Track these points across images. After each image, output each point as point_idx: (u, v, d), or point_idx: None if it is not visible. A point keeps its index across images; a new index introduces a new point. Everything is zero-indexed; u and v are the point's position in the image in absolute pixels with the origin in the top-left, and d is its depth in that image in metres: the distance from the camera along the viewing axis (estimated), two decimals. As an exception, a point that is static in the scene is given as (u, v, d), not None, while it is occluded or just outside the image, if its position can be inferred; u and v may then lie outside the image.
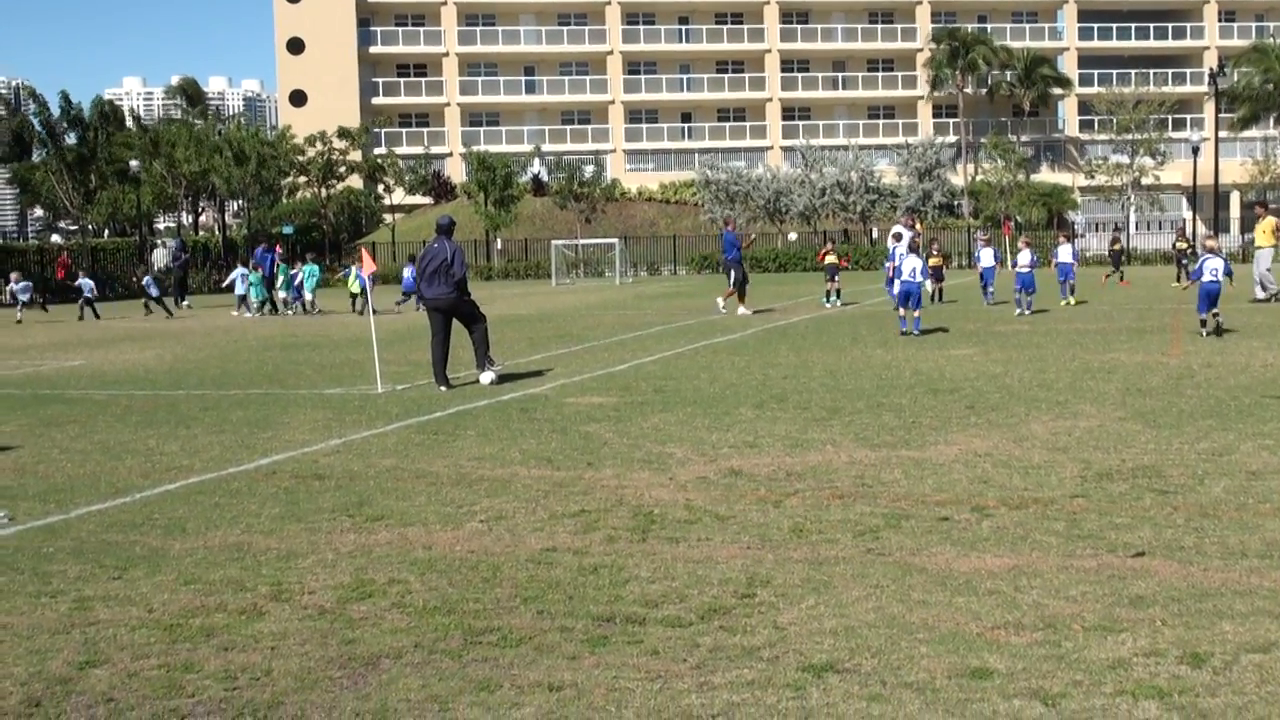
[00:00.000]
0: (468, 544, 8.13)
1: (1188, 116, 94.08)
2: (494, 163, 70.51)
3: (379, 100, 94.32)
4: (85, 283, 38.94)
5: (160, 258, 60.18)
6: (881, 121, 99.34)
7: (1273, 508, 8.45)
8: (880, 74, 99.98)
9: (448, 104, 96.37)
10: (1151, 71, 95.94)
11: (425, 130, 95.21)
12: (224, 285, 39.42)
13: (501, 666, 5.83)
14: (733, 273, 29.97)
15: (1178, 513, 8.37)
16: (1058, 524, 8.16)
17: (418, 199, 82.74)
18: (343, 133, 71.47)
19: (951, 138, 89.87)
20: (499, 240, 71.84)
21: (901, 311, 22.63)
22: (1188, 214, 73.17)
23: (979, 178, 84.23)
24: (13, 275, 41.78)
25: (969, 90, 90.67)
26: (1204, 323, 21.00)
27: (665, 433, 12.37)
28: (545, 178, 79.14)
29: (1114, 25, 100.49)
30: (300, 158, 71.12)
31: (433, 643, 6.19)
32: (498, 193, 70.14)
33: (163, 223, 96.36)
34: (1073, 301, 29.53)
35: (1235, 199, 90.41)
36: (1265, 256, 29.78)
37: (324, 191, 73.84)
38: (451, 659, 5.96)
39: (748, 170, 76.40)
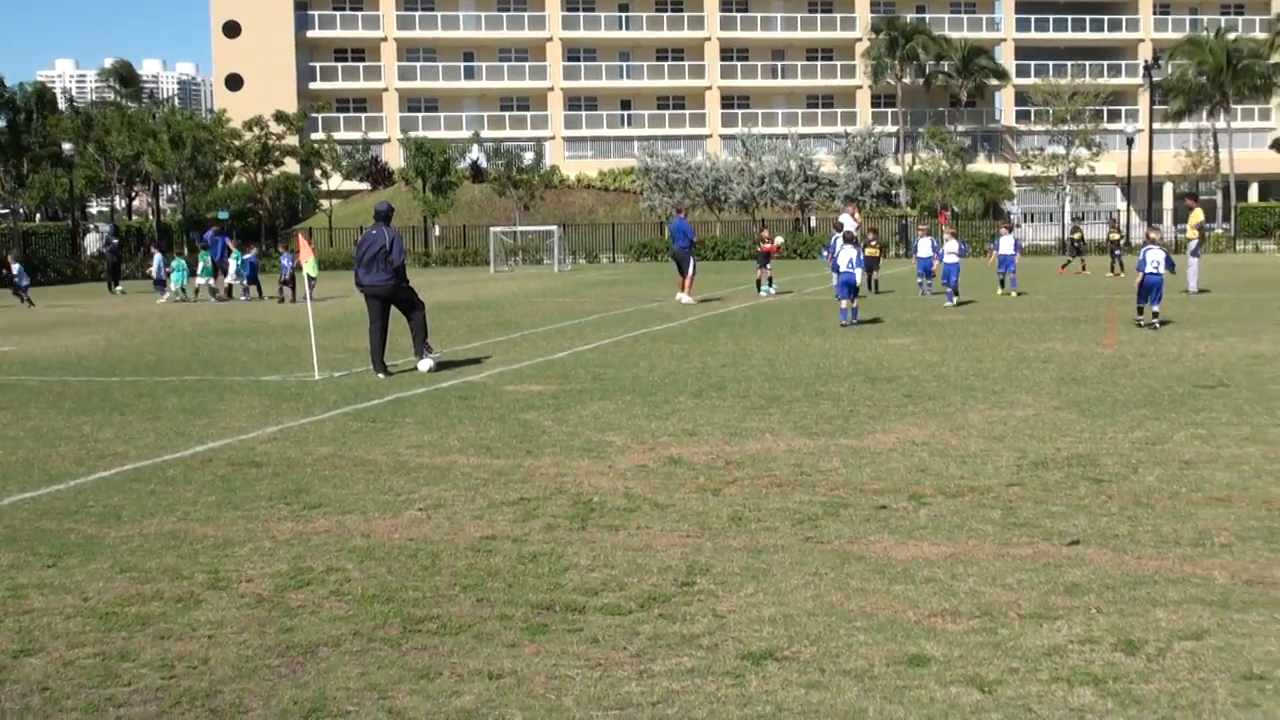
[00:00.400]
0: (406, 532, 8.10)
1: (1123, 108, 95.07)
2: (432, 149, 70.11)
3: (316, 85, 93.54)
4: (16, 268, 38.41)
5: (93, 242, 59.57)
6: (820, 110, 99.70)
7: (1205, 496, 8.56)
8: (819, 63, 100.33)
9: (386, 89, 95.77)
10: (1087, 63, 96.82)
11: (363, 115, 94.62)
12: (147, 273, 38.83)
13: (441, 654, 5.82)
14: (692, 261, 29.57)
15: (1112, 501, 8.47)
16: (994, 512, 8.23)
17: (355, 185, 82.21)
18: (280, 117, 70.81)
19: (890, 127, 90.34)
20: (437, 227, 71.50)
21: (843, 303, 22.61)
22: (1122, 205, 74.00)
23: (916, 167, 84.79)
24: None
25: (907, 80, 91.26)
26: (1140, 311, 21.07)
27: (604, 421, 12.37)
28: (484, 164, 78.80)
29: (1050, 17, 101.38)
30: (237, 142, 70.43)
31: (371, 631, 6.17)
32: (436, 179, 69.76)
33: (96, 207, 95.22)
34: (1013, 293, 29.52)
35: (1169, 190, 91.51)
36: (1192, 248, 30.07)
37: (260, 177, 73.18)
38: (390, 647, 5.94)
39: (687, 158, 76.45)
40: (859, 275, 22.82)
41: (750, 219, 70.00)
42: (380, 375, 16.38)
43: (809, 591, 6.62)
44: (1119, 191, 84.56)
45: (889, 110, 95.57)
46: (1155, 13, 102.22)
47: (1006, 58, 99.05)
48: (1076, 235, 44.61)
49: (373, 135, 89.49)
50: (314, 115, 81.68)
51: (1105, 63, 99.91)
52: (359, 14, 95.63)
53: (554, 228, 61.35)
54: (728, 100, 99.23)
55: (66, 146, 64.37)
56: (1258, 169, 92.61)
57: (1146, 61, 76.97)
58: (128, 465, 10.60)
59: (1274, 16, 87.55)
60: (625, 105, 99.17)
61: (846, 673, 5.46)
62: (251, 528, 8.32)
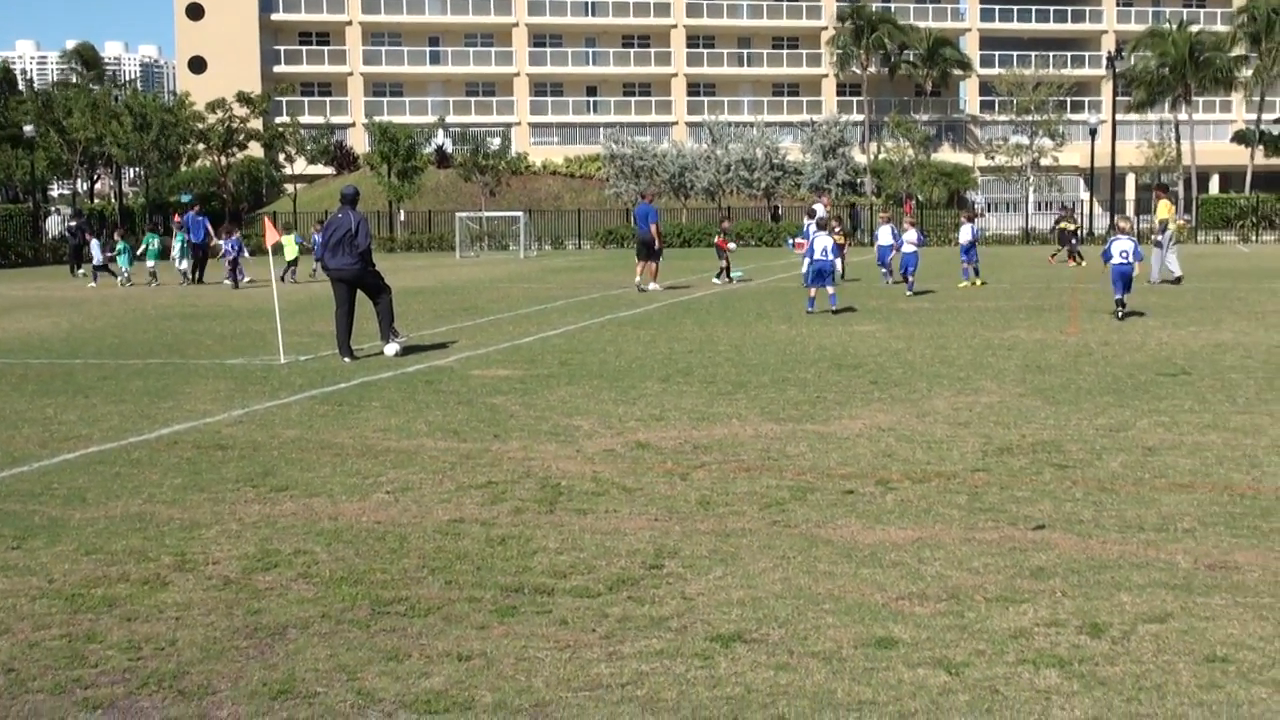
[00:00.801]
0: (374, 515, 8.09)
1: (1086, 99, 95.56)
2: (397, 133, 69.86)
3: (280, 68, 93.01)
4: None
5: (54, 225, 59.13)
6: (786, 99, 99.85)
7: (1168, 482, 8.63)
8: (785, 51, 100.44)
9: (351, 73, 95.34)
10: (1051, 54, 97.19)
11: (328, 99, 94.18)
12: (98, 262, 38.00)
13: (410, 636, 5.82)
14: (657, 246, 29.23)
15: (1076, 487, 8.53)
16: (960, 497, 8.28)
17: (320, 169, 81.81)
18: (242, 98, 70.36)
19: (855, 116, 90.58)
20: (402, 212, 71.27)
21: (812, 291, 22.53)
22: (1085, 195, 74.39)
23: (882, 156, 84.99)
24: None
25: (872, 69, 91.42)
26: (1120, 304, 20.51)
27: (572, 405, 12.37)
28: (449, 149, 78.57)
29: (1015, 7, 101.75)
30: (200, 125, 69.98)
31: (340, 613, 6.16)
32: (401, 164, 69.52)
33: (57, 190, 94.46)
34: (976, 283, 29.31)
35: (1131, 181, 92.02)
36: (1168, 238, 30.06)
37: (224, 160, 72.75)
38: (359, 629, 5.93)
39: (653, 145, 76.42)
40: (839, 263, 22.64)
41: (716, 206, 70.07)
42: (346, 359, 16.33)
43: (777, 574, 6.65)
44: (1082, 182, 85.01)
45: (854, 99, 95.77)
46: (1118, 4, 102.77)
47: (971, 48, 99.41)
48: (1071, 225, 43.00)
49: (337, 119, 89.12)
50: (278, 99, 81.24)
51: (1069, 54, 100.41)
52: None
53: (520, 214, 61.24)
54: (694, 88, 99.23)
55: (27, 128, 63.85)
56: (1219, 160, 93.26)
57: (1109, 53, 77.56)
58: (92, 448, 10.54)
59: (1235, 9, 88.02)
60: (591, 91, 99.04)
61: (815, 655, 5.49)
62: (218, 510, 8.29)
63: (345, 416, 11.99)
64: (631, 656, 5.52)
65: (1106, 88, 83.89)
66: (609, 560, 6.97)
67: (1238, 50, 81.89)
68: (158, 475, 9.40)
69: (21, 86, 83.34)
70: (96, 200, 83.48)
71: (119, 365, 16.53)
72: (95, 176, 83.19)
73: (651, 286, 29.03)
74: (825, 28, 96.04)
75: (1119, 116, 74.24)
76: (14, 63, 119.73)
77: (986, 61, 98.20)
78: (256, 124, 72.36)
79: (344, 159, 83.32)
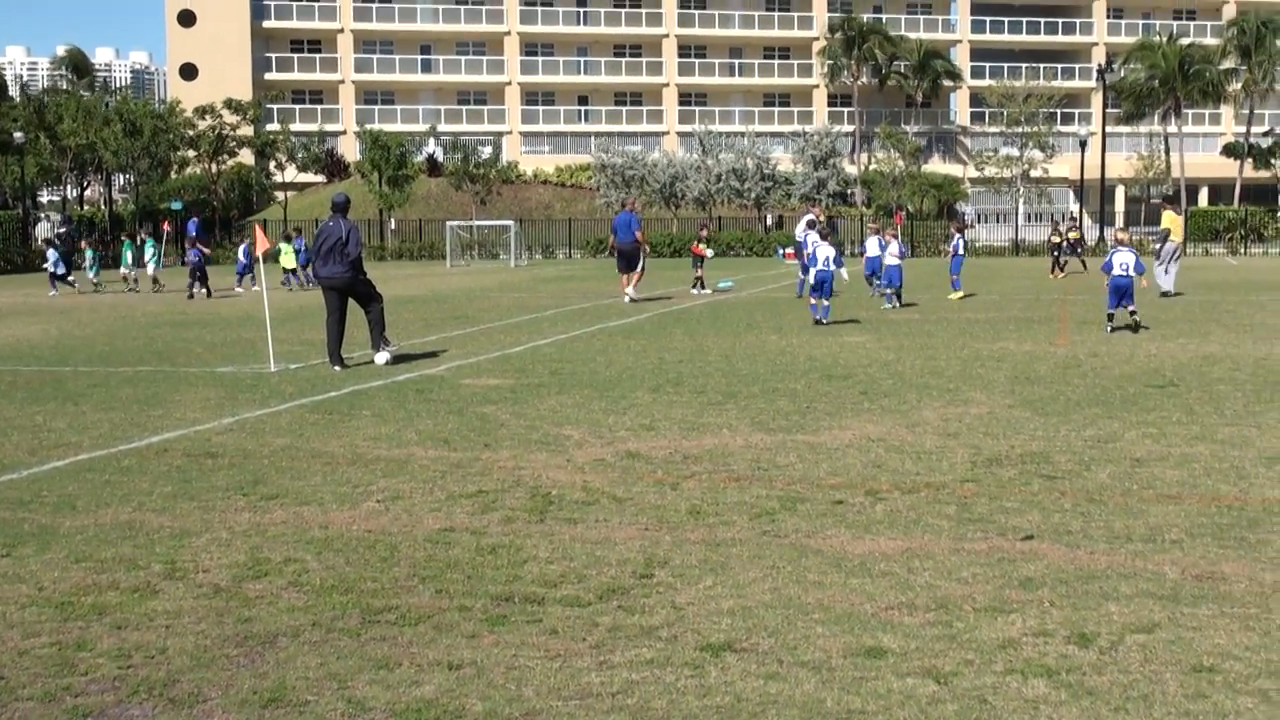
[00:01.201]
0: (365, 523, 8.10)
1: (1076, 111, 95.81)
2: (388, 142, 69.81)
3: (272, 76, 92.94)
4: None
5: (44, 231, 58.97)
6: (777, 109, 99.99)
7: (1156, 493, 8.67)
8: (776, 62, 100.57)
9: (342, 81, 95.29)
10: (1041, 66, 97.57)
11: (319, 107, 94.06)
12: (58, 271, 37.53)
13: (400, 645, 5.83)
14: (642, 258, 28.51)
15: (1065, 498, 8.57)
16: (949, 508, 8.31)
17: (311, 177, 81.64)
18: (231, 104, 70.26)
19: (846, 126, 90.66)
20: (393, 220, 71.24)
21: (814, 300, 22.40)
22: (1075, 206, 74.57)
23: (872, 167, 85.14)
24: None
25: (863, 80, 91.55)
26: (1111, 317, 20.42)
27: (562, 415, 12.39)
28: (440, 158, 78.51)
29: (1006, 19, 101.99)
30: (190, 132, 69.88)
31: (330, 621, 6.18)
32: (392, 172, 69.47)
33: (47, 196, 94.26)
34: (957, 296, 28.87)
35: (1121, 193, 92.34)
36: (1170, 250, 29.85)
37: (214, 167, 72.66)
38: (350, 637, 5.94)
39: (644, 155, 76.46)
40: (842, 273, 22.40)
41: (707, 216, 70.14)
42: (337, 368, 16.34)
43: (767, 584, 6.67)
44: (1072, 194, 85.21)
45: (845, 110, 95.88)
46: (1109, 17, 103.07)
47: (962, 59, 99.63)
48: (1074, 235, 42.89)
49: (328, 127, 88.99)
50: (269, 106, 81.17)
51: (1059, 65, 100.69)
52: (315, 5, 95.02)
53: (511, 223, 61.23)
54: (685, 97, 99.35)
55: (17, 134, 63.71)
56: (1208, 173, 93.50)
57: (1100, 65, 77.62)
58: (82, 455, 10.54)
59: (1225, 23, 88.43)
60: (583, 101, 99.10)
61: (804, 664, 5.52)
62: (208, 518, 8.29)
63: (336, 425, 11.99)
64: (622, 665, 5.54)
65: (1096, 99, 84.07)
66: (599, 569, 6.99)
67: (1227, 63, 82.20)
68: (148, 483, 9.40)
69: (14, 92, 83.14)
70: (86, 207, 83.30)
71: (109, 373, 16.52)
72: (85, 183, 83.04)
73: (629, 294, 28.28)
74: (816, 38, 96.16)
75: (1109, 128, 74.41)
76: (5, 68, 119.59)
77: (977, 73, 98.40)
78: (247, 131, 72.29)
79: (335, 167, 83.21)
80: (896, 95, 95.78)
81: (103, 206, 78.91)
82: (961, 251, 29.79)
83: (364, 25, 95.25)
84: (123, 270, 37.85)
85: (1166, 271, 29.37)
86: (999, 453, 10.14)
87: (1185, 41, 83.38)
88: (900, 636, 5.86)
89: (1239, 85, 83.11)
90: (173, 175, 77.65)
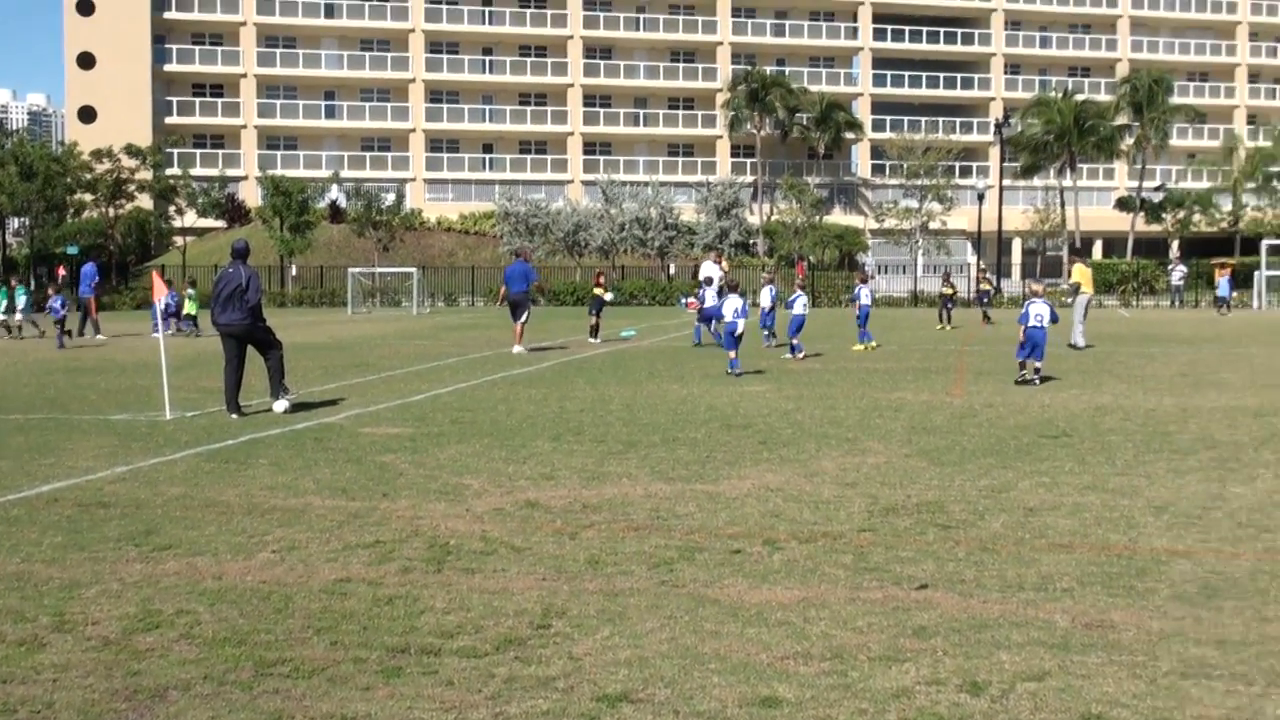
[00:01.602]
0: (259, 574, 8.00)
1: (974, 164, 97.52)
2: (290, 187, 69.38)
3: (173, 119, 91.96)
4: None
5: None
6: (681, 159, 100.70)
7: (1048, 542, 8.81)
8: (681, 112, 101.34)
9: (244, 126, 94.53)
10: (941, 119, 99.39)
11: (221, 152, 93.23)
12: None
13: (293, 698, 5.76)
14: (527, 309, 28.04)
15: (959, 547, 8.67)
16: (846, 557, 8.38)
17: (210, 222, 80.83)
18: (131, 150, 69.47)
19: (749, 177, 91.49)
20: (294, 266, 70.68)
21: (731, 353, 22.34)
22: (972, 258, 75.71)
23: (775, 217, 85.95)
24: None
25: (766, 131, 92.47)
26: (1022, 366, 20.53)
27: (462, 464, 12.34)
28: (343, 204, 78.10)
29: (906, 74, 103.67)
30: (88, 175, 68.94)
31: (223, 674, 6.09)
32: (294, 218, 69.03)
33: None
34: (872, 346, 29.08)
35: (1018, 245, 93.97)
36: (1081, 303, 30.12)
37: (112, 211, 71.70)
38: (242, 690, 5.86)
39: (547, 203, 76.61)
40: (742, 325, 22.52)
41: (610, 265, 70.36)
42: (234, 415, 16.16)
43: (664, 634, 6.68)
44: (970, 245, 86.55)
45: (748, 160, 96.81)
46: (1006, 72, 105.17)
47: (863, 112, 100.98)
48: (985, 286, 45.24)
49: (230, 172, 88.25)
50: (169, 150, 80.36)
51: (958, 119, 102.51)
52: (219, 49, 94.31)
53: (413, 270, 61.05)
54: (590, 146, 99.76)
55: (-92, 176, 62.50)
56: (1102, 226, 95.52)
57: (997, 119, 79.11)
58: (-31, 504, 10.31)
59: (1118, 79, 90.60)
60: (487, 148, 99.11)
61: (700, 714, 5.53)
62: (99, 569, 8.15)
63: (232, 474, 11.85)
64: (518, 717, 5.52)
65: (994, 153, 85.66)
66: (496, 620, 6.96)
67: (1120, 119, 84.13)
68: (36, 533, 9.22)
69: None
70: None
71: (-1, 420, 16.20)
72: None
73: (516, 349, 27.60)
74: (720, 89, 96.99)
75: (1006, 182, 75.80)
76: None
77: (878, 125, 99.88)
78: (146, 175, 71.44)
79: (235, 212, 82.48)
80: (799, 147, 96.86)
81: (-4, 250, 77.46)
82: (866, 302, 29.95)
83: (267, 70, 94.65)
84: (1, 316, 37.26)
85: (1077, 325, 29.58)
86: (895, 502, 10.25)
87: (1080, 98, 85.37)
88: (795, 686, 5.89)
89: (1131, 141, 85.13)
90: (69, 219, 76.51)
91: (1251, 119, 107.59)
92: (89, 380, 21.89)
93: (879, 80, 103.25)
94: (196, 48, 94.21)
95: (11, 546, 8.80)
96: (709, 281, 29.75)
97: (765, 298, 30.38)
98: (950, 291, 41.11)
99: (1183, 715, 5.55)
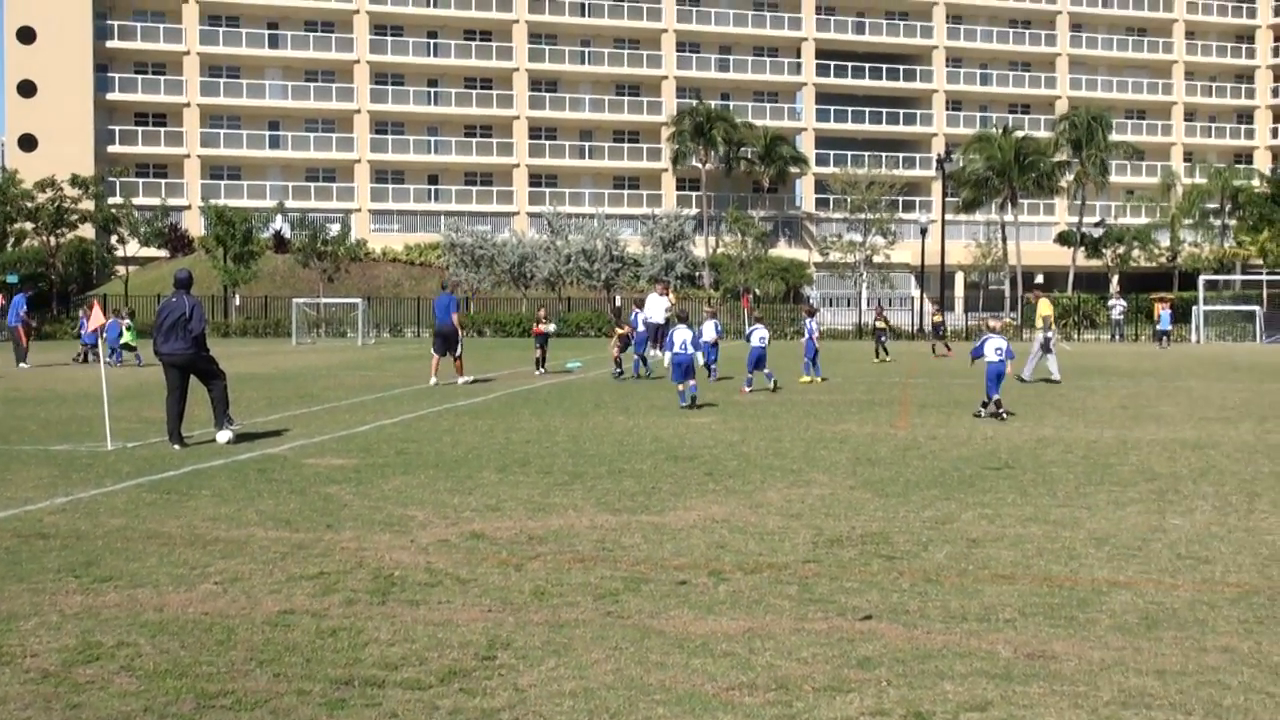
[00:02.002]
0: (201, 606, 7.93)
1: (917, 199, 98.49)
2: (234, 217, 69.01)
3: (115, 148, 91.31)
4: None
5: None
6: (627, 191, 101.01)
7: (991, 574, 8.87)
8: (626, 145, 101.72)
9: (188, 155, 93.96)
10: (884, 154, 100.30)
11: (164, 181, 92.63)
12: None
13: (236, 730, 5.72)
14: (456, 340, 27.74)
15: (903, 578, 8.72)
16: (791, 588, 8.41)
17: (153, 251, 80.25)
18: (76, 181, 68.94)
19: (694, 210, 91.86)
20: (238, 297, 70.26)
21: (680, 386, 22.25)
22: (916, 292, 76.32)
23: (720, 250, 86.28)
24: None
25: (711, 165, 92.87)
26: (987, 404, 20.53)
27: (407, 495, 12.29)
28: (288, 234, 77.76)
29: (849, 109, 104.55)
30: (29, 204, 68.30)
31: (164, 706, 6.03)
32: (237, 248, 68.64)
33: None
34: (818, 379, 29.11)
35: (960, 279, 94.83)
36: (1049, 337, 30.13)
37: (53, 240, 71.05)
38: (183, 723, 5.81)
39: (493, 234, 76.59)
40: (699, 356, 22.45)
41: (556, 297, 70.38)
42: (176, 446, 16.03)
43: (609, 665, 6.68)
44: (913, 279, 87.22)
45: (693, 193, 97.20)
46: (948, 108, 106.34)
47: (807, 146, 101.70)
48: (937, 318, 46.91)
49: (173, 201, 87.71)
50: (112, 179, 79.75)
51: (901, 154, 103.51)
52: (161, 78, 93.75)
53: (358, 300, 60.82)
54: (535, 178, 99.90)
55: None
56: (1043, 261, 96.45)
57: (939, 155, 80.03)
58: (-95, 536, 10.17)
59: (1057, 116, 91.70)
60: (433, 180, 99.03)
61: (645, 745, 5.53)
62: (38, 601, 8.06)
63: (174, 505, 11.75)
64: (462, 749, 5.49)
65: (936, 188, 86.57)
66: (441, 652, 6.94)
67: (1060, 156, 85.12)
68: (-26, 565, 9.10)
69: None
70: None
71: (-64, 450, 15.98)
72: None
73: (461, 381, 27.47)
74: (665, 123, 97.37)
75: (949, 216, 76.51)
76: None
77: (822, 160, 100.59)
78: (88, 205, 70.85)
79: (179, 242, 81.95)
80: (744, 180, 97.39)
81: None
82: (811, 336, 30.05)
83: (211, 100, 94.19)
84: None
85: (1041, 357, 29.48)
86: (840, 533, 10.29)
87: (1020, 134, 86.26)
88: (741, 717, 5.90)
89: (1071, 177, 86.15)
90: (9, 248, 75.77)
91: (1188, 156, 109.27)
92: (29, 410, 21.64)
93: (822, 115, 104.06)
94: (139, 77, 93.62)
95: (-52, 578, 8.68)
96: (640, 305, 29.83)
97: (709, 331, 30.36)
98: (882, 325, 41.61)
99: (1123, 744, 5.60)
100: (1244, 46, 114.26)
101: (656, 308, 33.16)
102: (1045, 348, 29.66)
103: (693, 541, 9.99)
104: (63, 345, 49.84)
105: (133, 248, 75.32)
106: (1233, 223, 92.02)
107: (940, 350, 43.72)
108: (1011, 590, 8.38)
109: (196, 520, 10.91)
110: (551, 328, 33.31)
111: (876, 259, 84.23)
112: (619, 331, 30.89)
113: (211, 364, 16.92)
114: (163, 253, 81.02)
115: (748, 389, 25.43)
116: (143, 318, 44.31)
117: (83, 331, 37.58)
